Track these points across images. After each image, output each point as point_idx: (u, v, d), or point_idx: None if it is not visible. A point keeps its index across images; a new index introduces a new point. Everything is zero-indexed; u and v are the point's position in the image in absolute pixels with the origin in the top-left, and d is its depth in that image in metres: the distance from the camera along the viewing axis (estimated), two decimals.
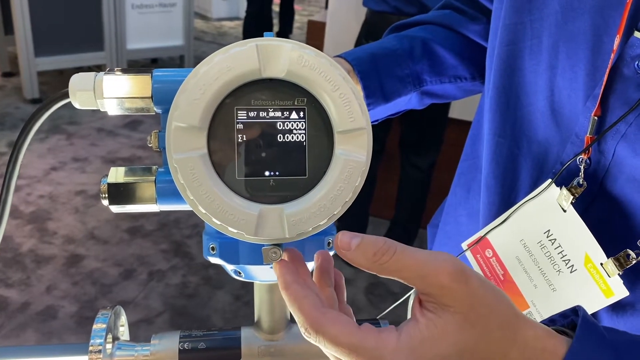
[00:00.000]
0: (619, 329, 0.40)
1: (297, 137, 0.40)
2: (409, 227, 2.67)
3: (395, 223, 2.71)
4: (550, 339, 0.37)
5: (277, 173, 0.40)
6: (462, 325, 0.35)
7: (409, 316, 0.48)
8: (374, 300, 2.42)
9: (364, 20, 2.28)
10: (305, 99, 0.40)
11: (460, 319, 0.36)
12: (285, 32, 5.38)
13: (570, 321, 0.40)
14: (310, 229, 0.40)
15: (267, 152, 0.40)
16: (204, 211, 0.39)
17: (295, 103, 0.40)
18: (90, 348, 0.52)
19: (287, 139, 0.40)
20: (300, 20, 6.47)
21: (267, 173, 0.40)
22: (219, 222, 0.39)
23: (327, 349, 0.37)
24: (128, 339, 0.60)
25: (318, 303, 0.38)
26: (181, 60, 4.73)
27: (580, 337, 0.37)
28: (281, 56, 0.39)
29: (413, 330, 0.36)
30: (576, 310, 0.40)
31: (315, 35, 2.78)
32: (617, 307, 0.54)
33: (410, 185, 2.59)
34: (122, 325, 0.60)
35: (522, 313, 0.38)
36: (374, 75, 0.69)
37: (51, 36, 3.89)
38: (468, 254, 0.65)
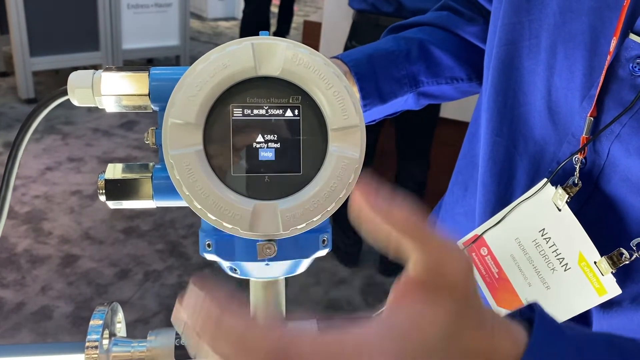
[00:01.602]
0: (573, 325, 0.40)
1: (292, 135, 0.41)
2: None
3: None
4: (512, 328, 0.37)
5: (271, 169, 0.41)
6: (451, 313, 0.33)
7: None
8: (369, 300, 2.43)
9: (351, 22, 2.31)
10: (300, 97, 0.41)
11: (453, 307, 0.33)
12: (282, 32, 5.38)
13: (527, 318, 0.39)
14: (304, 224, 0.41)
15: (261, 148, 0.41)
16: (199, 206, 0.40)
17: (290, 101, 0.41)
18: (87, 344, 0.52)
19: (282, 136, 0.41)
20: (296, 20, 6.48)
21: (261, 169, 0.41)
22: (214, 218, 0.40)
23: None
24: (125, 335, 0.60)
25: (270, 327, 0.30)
26: (177, 60, 4.72)
27: (539, 328, 0.36)
28: (276, 54, 0.40)
29: (396, 318, 0.33)
30: (532, 307, 0.39)
31: (311, 36, 2.78)
32: (605, 305, 0.55)
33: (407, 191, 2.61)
34: (119, 322, 0.60)
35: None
36: (371, 76, 0.69)
37: (46, 36, 3.88)
38: None
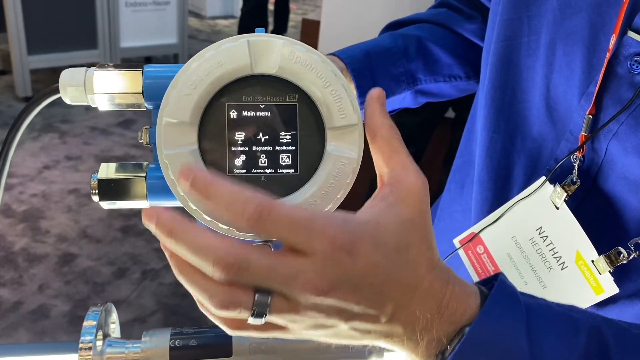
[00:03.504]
0: (534, 296, 0.42)
1: (289, 134, 0.40)
2: None
3: None
4: (465, 283, 0.41)
5: (268, 169, 0.40)
6: (405, 223, 0.38)
7: None
8: None
9: None
10: (297, 95, 0.40)
11: (407, 218, 0.38)
12: (280, 30, 5.37)
13: (491, 286, 0.42)
14: None
15: (258, 148, 0.40)
16: (194, 207, 0.39)
17: (287, 99, 0.40)
18: (81, 345, 0.52)
19: (278, 135, 0.40)
20: (294, 19, 6.47)
21: (258, 169, 0.40)
22: (209, 219, 0.39)
23: (278, 230, 0.35)
24: (119, 336, 0.59)
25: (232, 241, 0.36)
26: (175, 58, 4.71)
27: (496, 292, 0.40)
28: (273, 52, 0.39)
29: (359, 213, 0.38)
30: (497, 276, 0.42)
31: (309, 34, 2.77)
32: (601, 305, 0.55)
33: None
34: (113, 323, 0.59)
35: None
36: (368, 73, 0.69)
37: (44, 34, 3.86)
38: (460, 251, 0.65)
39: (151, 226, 0.37)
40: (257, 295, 0.35)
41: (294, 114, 0.40)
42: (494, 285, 0.40)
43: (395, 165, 0.39)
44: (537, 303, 0.41)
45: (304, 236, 0.35)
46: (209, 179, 0.35)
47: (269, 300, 0.36)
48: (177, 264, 0.37)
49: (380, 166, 0.40)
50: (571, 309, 0.42)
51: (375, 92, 0.41)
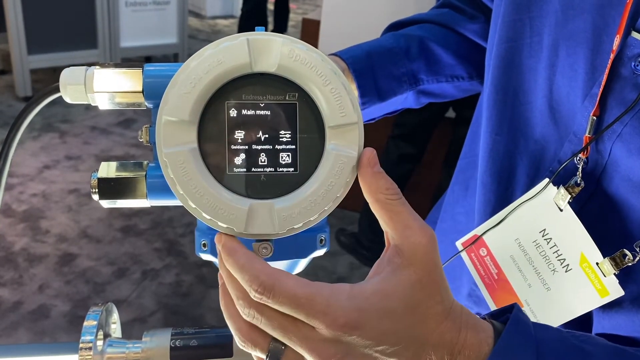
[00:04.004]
0: (550, 327, 0.44)
1: (288, 132, 0.40)
2: None
3: None
4: (478, 324, 0.41)
5: (268, 168, 0.40)
6: (414, 285, 0.38)
7: None
8: None
9: None
10: (297, 94, 0.40)
11: (415, 280, 0.38)
12: (280, 30, 5.37)
13: (505, 319, 0.43)
14: (301, 224, 0.40)
15: (257, 146, 0.40)
16: (193, 206, 0.39)
17: (287, 98, 0.40)
18: (81, 345, 0.51)
19: (278, 133, 0.40)
20: (295, 18, 6.47)
21: (257, 168, 0.40)
22: (208, 217, 0.39)
23: (281, 305, 0.37)
24: (120, 336, 0.59)
25: (267, 265, 0.39)
26: (175, 58, 4.71)
27: (508, 330, 0.41)
28: (272, 50, 0.39)
29: (366, 284, 0.39)
30: (513, 308, 0.43)
31: (309, 33, 2.77)
32: (605, 305, 0.54)
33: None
34: (114, 323, 0.59)
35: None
36: (369, 73, 0.68)
37: (44, 34, 3.86)
38: (462, 253, 0.64)
39: (219, 246, 0.40)
40: (272, 344, 0.40)
41: (293, 112, 0.40)
42: (506, 325, 0.41)
43: (397, 226, 0.40)
44: (549, 338, 0.42)
45: (306, 314, 0.37)
46: (233, 249, 0.39)
47: (283, 349, 0.40)
48: (222, 295, 0.42)
49: (384, 226, 0.41)
50: (585, 340, 0.44)
51: (365, 157, 0.40)
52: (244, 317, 0.39)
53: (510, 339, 0.40)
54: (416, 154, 2.45)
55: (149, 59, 4.76)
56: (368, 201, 0.40)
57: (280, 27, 5.41)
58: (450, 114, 2.45)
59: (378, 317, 0.37)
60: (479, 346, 0.40)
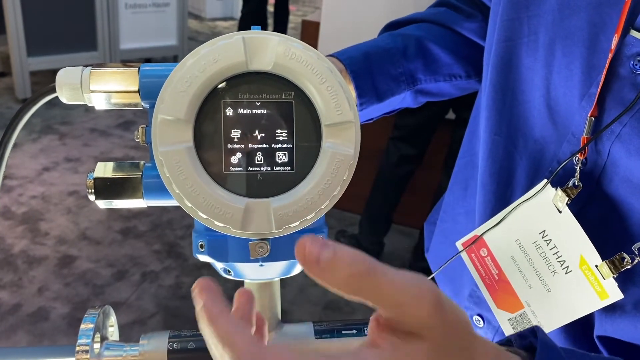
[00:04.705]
0: (577, 350, 0.40)
1: (285, 131, 0.40)
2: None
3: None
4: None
5: (264, 167, 0.40)
6: (429, 352, 0.32)
7: None
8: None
9: None
10: (293, 92, 0.40)
11: (429, 346, 0.32)
12: (279, 31, 5.36)
13: (528, 343, 0.39)
14: (298, 223, 0.40)
15: (254, 145, 0.39)
16: (190, 205, 0.39)
17: (283, 96, 0.40)
18: (77, 348, 0.51)
19: (274, 132, 0.40)
20: (294, 20, 6.47)
21: (254, 167, 0.40)
22: (205, 216, 0.39)
23: None
24: (118, 339, 0.59)
25: (253, 338, 0.32)
26: (175, 60, 4.70)
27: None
28: (268, 49, 0.39)
29: (374, 356, 0.32)
30: (534, 331, 0.38)
31: (309, 35, 2.77)
32: (607, 308, 0.54)
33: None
34: (112, 326, 0.59)
35: (477, 333, 0.36)
36: (367, 74, 0.68)
37: (44, 36, 3.86)
38: (463, 254, 0.64)
39: (198, 307, 0.34)
40: None
41: (290, 111, 0.40)
42: (536, 354, 0.36)
43: (387, 309, 0.32)
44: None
45: None
46: (213, 314, 0.32)
47: None
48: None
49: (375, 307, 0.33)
50: None
51: (300, 253, 0.31)
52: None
53: None
54: (416, 156, 2.45)
55: (148, 61, 4.77)
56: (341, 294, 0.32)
57: (280, 29, 5.41)
58: (450, 115, 2.44)
59: None
60: None
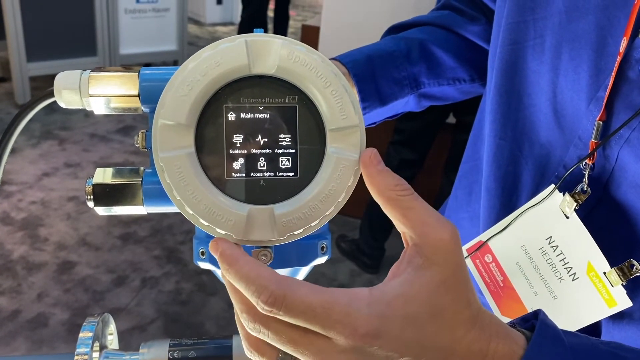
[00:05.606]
0: (579, 334, 0.40)
1: (288, 136, 0.39)
2: None
3: None
4: (510, 334, 0.38)
5: (267, 173, 0.39)
6: (438, 288, 0.35)
7: None
8: None
9: None
10: (296, 96, 0.39)
11: (439, 281, 0.35)
12: None
13: (530, 325, 0.40)
14: (302, 230, 0.39)
15: (256, 150, 0.39)
16: (191, 212, 0.38)
17: (286, 100, 0.39)
18: (76, 357, 0.50)
19: (278, 137, 0.39)
20: (294, 25, 6.47)
21: (257, 173, 0.39)
22: (206, 224, 0.38)
23: (293, 318, 0.34)
24: (117, 347, 0.58)
25: (274, 271, 0.35)
26: (175, 65, 4.71)
27: (538, 337, 0.37)
28: (271, 52, 0.38)
29: (385, 287, 0.36)
30: (537, 314, 0.40)
31: (309, 40, 2.77)
32: (615, 315, 0.53)
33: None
34: (111, 334, 0.58)
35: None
36: (370, 78, 0.67)
37: (43, 41, 3.86)
38: (467, 260, 0.63)
39: (216, 255, 0.38)
40: (280, 355, 0.38)
41: (293, 115, 0.39)
42: (535, 331, 0.38)
43: (414, 224, 0.36)
44: (581, 343, 0.39)
45: (322, 325, 0.34)
46: (233, 257, 0.36)
47: None
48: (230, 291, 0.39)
49: (400, 227, 0.38)
50: (618, 347, 0.40)
51: (367, 156, 0.38)
52: (250, 332, 0.37)
53: (542, 347, 0.37)
54: (417, 160, 2.45)
55: (148, 66, 4.77)
56: (378, 202, 0.38)
57: (280, 33, 5.38)
58: (451, 119, 2.44)
59: (401, 325, 0.34)
60: (511, 358, 0.36)
